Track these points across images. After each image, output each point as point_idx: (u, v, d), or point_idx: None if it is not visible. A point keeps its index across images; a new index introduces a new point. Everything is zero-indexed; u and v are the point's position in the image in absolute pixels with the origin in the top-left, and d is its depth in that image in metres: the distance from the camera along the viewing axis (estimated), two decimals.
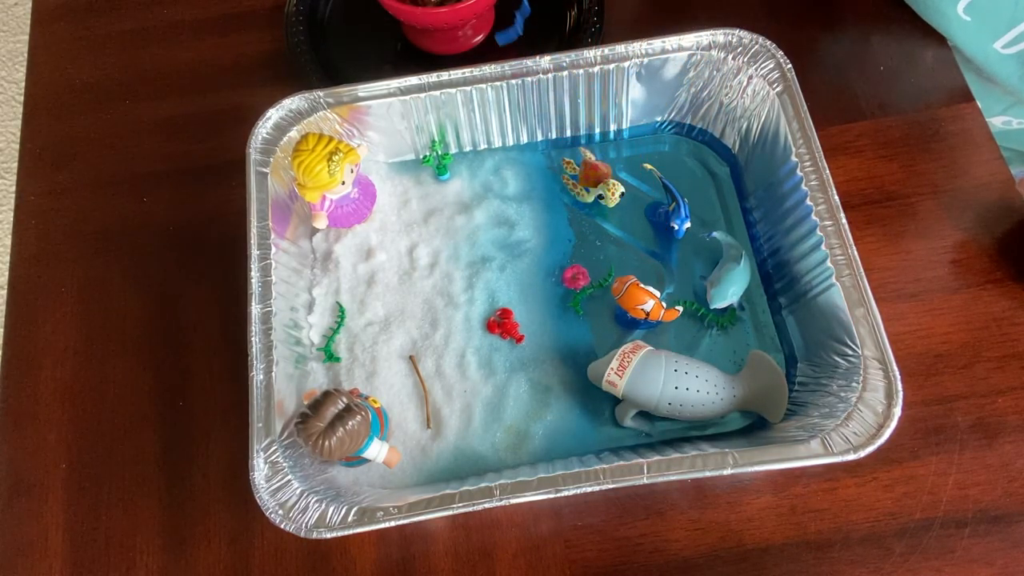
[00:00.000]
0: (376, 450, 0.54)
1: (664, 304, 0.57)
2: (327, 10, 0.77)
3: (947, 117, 0.67)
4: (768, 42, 0.61)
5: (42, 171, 0.72)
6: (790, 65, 0.60)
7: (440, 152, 0.67)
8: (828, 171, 0.57)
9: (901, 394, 0.50)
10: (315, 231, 0.66)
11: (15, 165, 0.75)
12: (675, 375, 0.54)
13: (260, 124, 0.62)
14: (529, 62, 0.62)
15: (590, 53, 0.62)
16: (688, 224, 0.62)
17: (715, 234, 0.62)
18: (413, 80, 0.63)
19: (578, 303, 0.61)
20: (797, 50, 0.61)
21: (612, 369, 0.54)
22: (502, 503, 0.49)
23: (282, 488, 0.52)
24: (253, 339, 0.55)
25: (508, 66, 0.62)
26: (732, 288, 0.59)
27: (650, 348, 0.55)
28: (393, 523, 0.50)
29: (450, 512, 0.49)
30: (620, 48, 0.62)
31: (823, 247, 0.55)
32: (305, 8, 0.75)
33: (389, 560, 0.56)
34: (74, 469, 0.60)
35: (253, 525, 0.57)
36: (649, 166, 0.62)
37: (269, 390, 0.54)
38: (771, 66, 0.61)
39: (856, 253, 0.54)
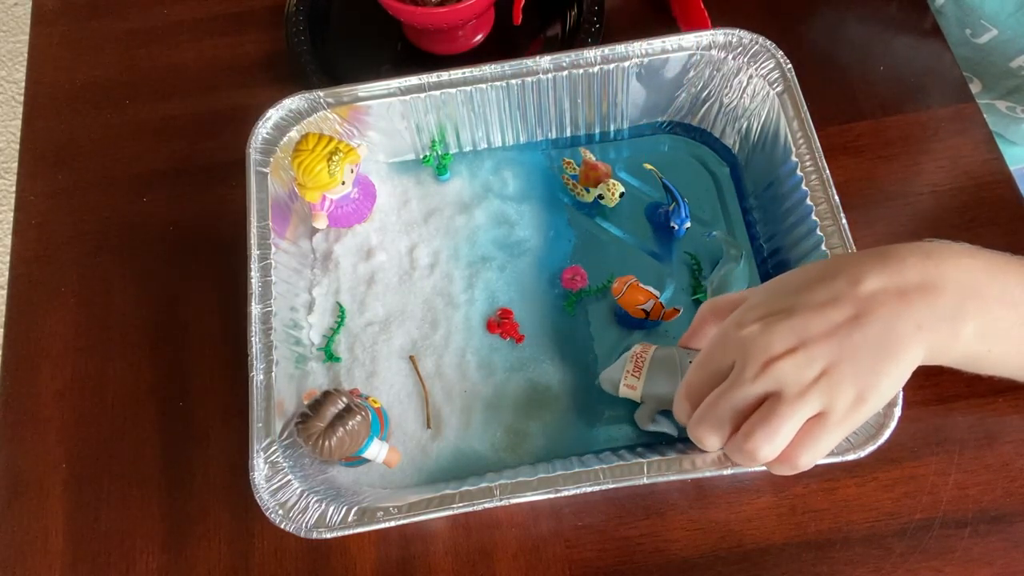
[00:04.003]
0: (376, 450, 0.54)
1: (664, 304, 0.57)
2: (327, 10, 0.77)
3: (947, 117, 0.67)
4: (768, 42, 0.61)
5: (42, 171, 0.72)
6: (790, 65, 0.60)
7: (440, 152, 0.67)
8: (828, 171, 0.57)
9: (901, 394, 0.50)
10: (315, 231, 0.66)
11: (15, 165, 0.75)
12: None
13: (260, 124, 0.62)
14: (529, 62, 0.62)
15: (590, 53, 0.62)
16: (688, 224, 0.62)
17: (715, 234, 0.62)
18: (413, 80, 0.63)
19: (571, 305, 0.61)
20: (797, 50, 0.61)
21: (628, 372, 0.53)
22: (502, 503, 0.49)
23: (282, 488, 0.52)
24: (253, 339, 0.55)
25: (508, 66, 0.62)
26: (732, 288, 0.59)
27: (657, 346, 0.55)
28: (393, 523, 0.50)
29: (450, 512, 0.49)
30: (620, 48, 0.62)
31: (823, 247, 0.55)
32: (305, 8, 0.75)
33: (389, 560, 0.56)
34: (74, 469, 0.60)
35: (253, 525, 0.57)
36: (649, 166, 0.62)
37: (269, 390, 0.54)
38: (771, 66, 0.61)
39: None
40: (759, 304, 0.44)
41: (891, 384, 0.41)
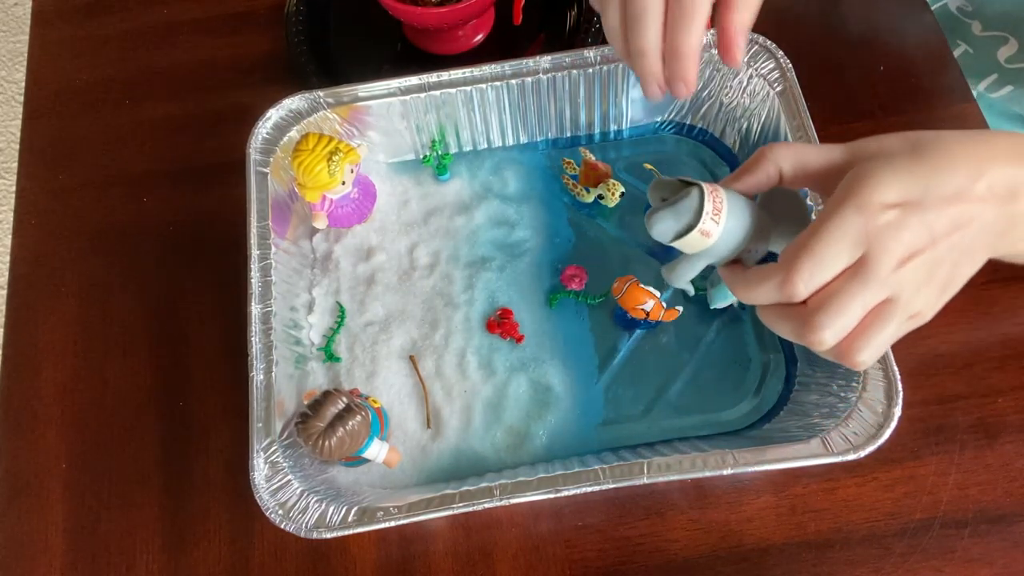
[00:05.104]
0: (376, 450, 0.54)
1: (664, 304, 0.57)
2: (327, 10, 0.77)
3: (947, 117, 0.67)
4: (768, 42, 0.61)
5: (42, 171, 0.72)
6: (790, 65, 0.60)
7: (440, 152, 0.67)
8: None
9: (901, 394, 0.50)
10: (315, 231, 0.66)
11: (15, 165, 0.75)
12: (760, 213, 0.44)
13: (260, 124, 0.62)
14: (529, 62, 0.62)
15: (590, 53, 0.62)
16: None
17: None
18: (413, 80, 0.63)
19: (555, 299, 0.62)
20: (797, 50, 0.61)
21: (708, 215, 0.41)
22: (502, 503, 0.49)
23: (282, 488, 0.52)
24: (253, 339, 0.55)
25: (508, 66, 0.62)
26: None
27: (721, 186, 0.44)
28: (393, 523, 0.50)
29: (450, 512, 0.49)
30: None
31: None
32: (305, 8, 0.75)
33: (389, 560, 0.56)
34: (74, 469, 0.60)
35: (253, 525, 0.57)
36: (649, 166, 0.62)
37: (269, 390, 0.54)
38: (771, 66, 0.61)
39: None
40: (891, 184, 0.40)
41: (962, 285, 0.41)
